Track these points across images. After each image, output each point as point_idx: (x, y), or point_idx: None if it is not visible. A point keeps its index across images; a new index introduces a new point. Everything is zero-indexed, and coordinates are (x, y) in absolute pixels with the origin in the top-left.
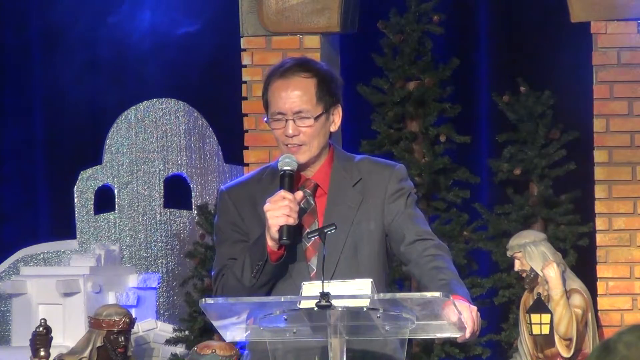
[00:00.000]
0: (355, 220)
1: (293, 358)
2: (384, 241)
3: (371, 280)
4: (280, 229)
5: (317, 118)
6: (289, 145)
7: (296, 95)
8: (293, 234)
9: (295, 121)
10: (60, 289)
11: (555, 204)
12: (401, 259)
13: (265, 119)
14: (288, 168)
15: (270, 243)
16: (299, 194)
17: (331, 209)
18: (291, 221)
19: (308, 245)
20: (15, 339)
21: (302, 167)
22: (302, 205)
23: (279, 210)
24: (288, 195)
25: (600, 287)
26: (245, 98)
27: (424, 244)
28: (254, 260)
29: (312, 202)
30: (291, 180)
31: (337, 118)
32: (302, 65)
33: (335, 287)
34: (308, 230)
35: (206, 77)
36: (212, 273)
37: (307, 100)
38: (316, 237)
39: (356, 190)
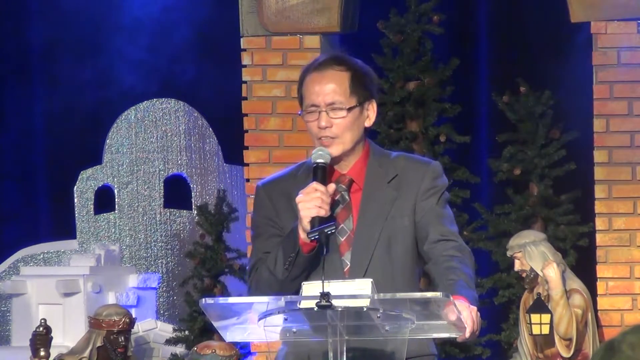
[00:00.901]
0: (390, 216)
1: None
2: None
3: (371, 280)
4: (312, 220)
5: (349, 110)
6: (322, 139)
7: (330, 87)
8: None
9: (328, 113)
10: (60, 289)
11: (555, 204)
12: (424, 257)
13: (299, 112)
14: (321, 161)
15: (302, 235)
16: (332, 186)
17: (366, 205)
18: (322, 213)
19: (342, 240)
20: (15, 339)
21: (335, 160)
22: (337, 200)
23: (311, 202)
24: (320, 187)
25: (600, 287)
26: (245, 98)
27: (446, 244)
28: (287, 252)
29: (347, 197)
30: (324, 173)
31: (371, 113)
32: (337, 59)
33: (335, 287)
34: (342, 226)
35: (206, 77)
36: (247, 268)
37: (340, 92)
38: (316, 237)
39: (391, 186)
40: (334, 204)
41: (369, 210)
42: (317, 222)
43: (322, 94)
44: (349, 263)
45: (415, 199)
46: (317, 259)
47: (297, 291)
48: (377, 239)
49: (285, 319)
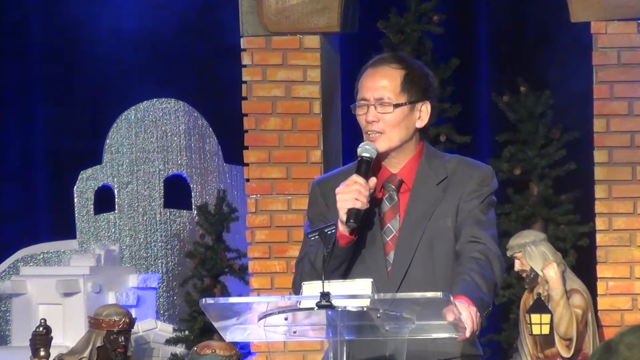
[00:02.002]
0: (433, 216)
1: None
2: None
3: (371, 280)
4: (349, 212)
5: (397, 106)
6: (369, 133)
7: (381, 83)
8: (363, 219)
9: (377, 107)
10: (60, 289)
11: (555, 204)
12: (457, 257)
13: (352, 105)
14: (366, 155)
15: (340, 227)
16: (373, 180)
17: (412, 206)
18: (359, 205)
19: (387, 239)
20: (15, 339)
21: (385, 158)
22: (384, 199)
23: (349, 194)
24: (360, 179)
25: (600, 287)
26: (245, 98)
27: (474, 246)
28: (326, 244)
29: (395, 197)
30: (368, 167)
31: (424, 114)
32: (395, 57)
33: (335, 287)
34: (388, 226)
35: (206, 77)
36: (296, 261)
37: (391, 89)
38: (317, 237)
39: (439, 188)
40: (380, 203)
41: (415, 211)
42: (353, 213)
43: (372, 88)
44: (391, 262)
45: (459, 200)
46: (363, 261)
47: None
48: (419, 240)
49: (285, 319)
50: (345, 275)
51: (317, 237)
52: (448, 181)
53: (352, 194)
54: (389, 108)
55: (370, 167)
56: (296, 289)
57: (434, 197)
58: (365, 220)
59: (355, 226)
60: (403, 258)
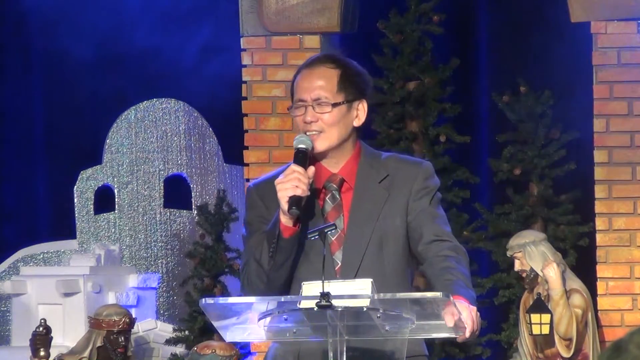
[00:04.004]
0: (381, 216)
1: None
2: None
3: (371, 280)
4: (290, 200)
5: (335, 105)
6: (308, 133)
7: (317, 83)
8: (305, 206)
9: (315, 108)
10: (60, 289)
11: (555, 204)
12: (418, 257)
13: (289, 108)
14: (302, 146)
15: (283, 219)
16: (311, 169)
17: (357, 205)
18: (299, 192)
19: (333, 239)
20: (15, 339)
21: (325, 158)
22: (327, 199)
23: (289, 182)
24: (298, 168)
25: (600, 287)
26: (245, 98)
27: (441, 244)
28: (270, 239)
29: (337, 196)
30: (304, 157)
31: (361, 113)
32: (329, 57)
33: (335, 287)
34: (314, 227)
35: (206, 77)
36: (240, 267)
37: (328, 88)
38: (316, 237)
39: (382, 186)
40: (323, 203)
41: (360, 210)
42: (295, 201)
43: (309, 89)
44: (339, 262)
45: (407, 199)
46: (301, 252)
47: (285, 283)
48: (368, 239)
49: (285, 319)
50: (291, 274)
51: (316, 237)
52: (390, 179)
53: (291, 182)
54: (326, 108)
55: (307, 158)
56: (246, 293)
57: (379, 196)
58: (308, 219)
59: (297, 213)
60: (353, 257)
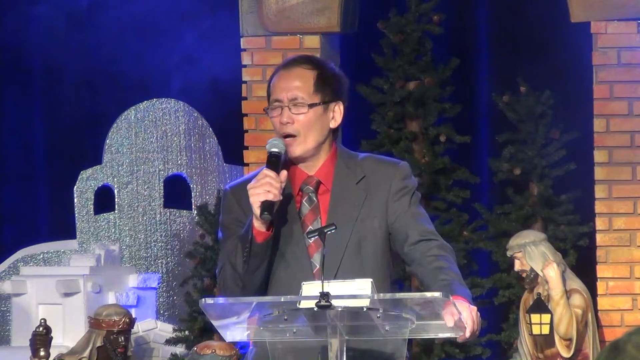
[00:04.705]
0: (359, 218)
1: (293, 357)
2: (388, 239)
3: (371, 280)
4: (262, 205)
5: (311, 106)
6: (285, 137)
7: (294, 84)
8: (282, 210)
9: (291, 109)
10: (60, 289)
11: (555, 204)
12: (404, 259)
13: (265, 108)
14: (275, 150)
15: (256, 224)
16: (284, 174)
17: (334, 207)
18: (271, 196)
19: (311, 242)
20: (15, 339)
21: (301, 161)
22: (304, 201)
23: (260, 187)
24: (270, 172)
25: (600, 287)
26: (245, 98)
27: (428, 244)
28: (244, 244)
29: (314, 199)
30: (277, 161)
31: (337, 115)
32: (305, 58)
33: (335, 287)
34: (310, 228)
35: (206, 77)
36: (216, 270)
37: (304, 89)
38: (316, 237)
39: (359, 187)
40: (300, 205)
41: (338, 211)
42: (266, 206)
43: (286, 89)
44: (317, 265)
45: (386, 200)
46: (278, 255)
47: (261, 286)
48: (347, 241)
49: (285, 319)
50: (267, 277)
51: (316, 236)
52: (367, 180)
53: (263, 187)
54: (303, 108)
55: (280, 162)
56: (224, 296)
57: (356, 197)
58: (285, 222)
59: (269, 218)
60: (331, 260)
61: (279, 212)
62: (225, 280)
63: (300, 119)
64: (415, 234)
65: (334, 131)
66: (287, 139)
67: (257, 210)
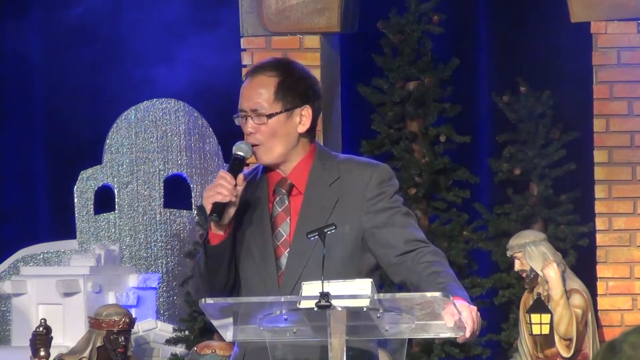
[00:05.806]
0: (329, 221)
1: (292, 356)
2: (361, 245)
3: (371, 280)
4: (212, 207)
5: (270, 116)
6: (253, 146)
7: (256, 93)
8: (255, 211)
9: (253, 119)
10: (60, 289)
11: (555, 204)
12: (392, 269)
13: (234, 116)
14: (240, 153)
15: (212, 226)
16: (240, 177)
17: (305, 209)
18: (220, 198)
19: (278, 243)
20: (15, 339)
21: (275, 165)
22: (275, 203)
23: (213, 189)
24: (225, 174)
25: (600, 287)
26: None
27: (420, 251)
28: (204, 245)
29: (286, 200)
30: (240, 164)
31: (305, 119)
32: (271, 65)
33: (335, 287)
34: (279, 230)
35: (206, 77)
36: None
37: (265, 98)
38: (316, 237)
39: (332, 190)
40: (272, 207)
41: (308, 214)
42: (216, 208)
43: (247, 98)
44: (282, 267)
45: (360, 206)
46: (248, 256)
47: (227, 286)
48: (314, 244)
49: (285, 319)
50: (236, 278)
51: (316, 236)
52: (341, 182)
53: (215, 188)
54: (262, 119)
55: (243, 165)
56: (197, 296)
57: (328, 200)
58: (257, 223)
59: (217, 220)
60: (296, 263)
61: (252, 214)
62: (196, 279)
63: (261, 129)
64: (400, 243)
65: (308, 132)
66: (254, 147)
67: (208, 211)
